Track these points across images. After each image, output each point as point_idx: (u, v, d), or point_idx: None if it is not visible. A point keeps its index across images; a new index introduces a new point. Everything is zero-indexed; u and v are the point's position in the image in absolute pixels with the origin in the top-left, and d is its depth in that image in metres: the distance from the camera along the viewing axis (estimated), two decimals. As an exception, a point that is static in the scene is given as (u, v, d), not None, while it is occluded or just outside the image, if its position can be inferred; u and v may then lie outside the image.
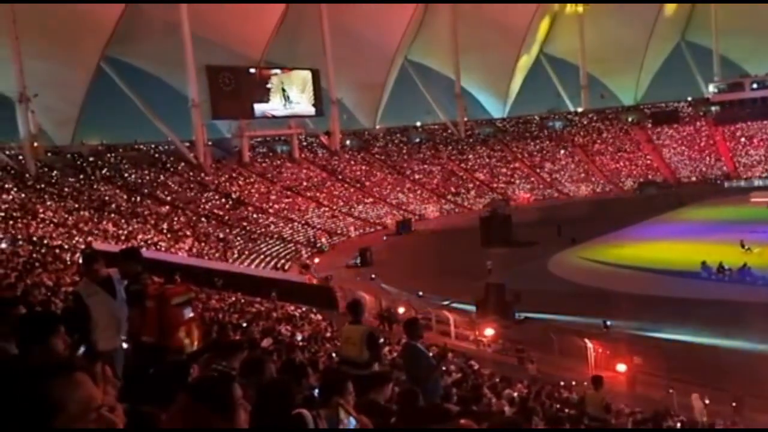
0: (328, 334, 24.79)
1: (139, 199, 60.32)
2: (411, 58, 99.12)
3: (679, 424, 18.11)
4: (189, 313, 6.36)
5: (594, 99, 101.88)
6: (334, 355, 16.26)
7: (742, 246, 42.10)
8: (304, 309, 32.54)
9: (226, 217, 61.95)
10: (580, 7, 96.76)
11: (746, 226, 48.99)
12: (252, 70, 76.78)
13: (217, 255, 51.02)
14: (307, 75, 79.56)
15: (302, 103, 79.64)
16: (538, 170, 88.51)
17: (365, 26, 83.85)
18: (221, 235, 56.72)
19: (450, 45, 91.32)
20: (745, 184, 77.47)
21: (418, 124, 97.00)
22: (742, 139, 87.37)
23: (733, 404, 20.07)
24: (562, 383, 21.70)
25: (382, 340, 25.69)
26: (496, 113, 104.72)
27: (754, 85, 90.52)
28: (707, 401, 20.02)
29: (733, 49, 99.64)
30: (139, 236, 50.08)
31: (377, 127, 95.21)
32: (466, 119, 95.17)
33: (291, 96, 78.52)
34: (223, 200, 65.96)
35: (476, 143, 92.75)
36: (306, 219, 67.62)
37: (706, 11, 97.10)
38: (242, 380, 4.93)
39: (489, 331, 29.58)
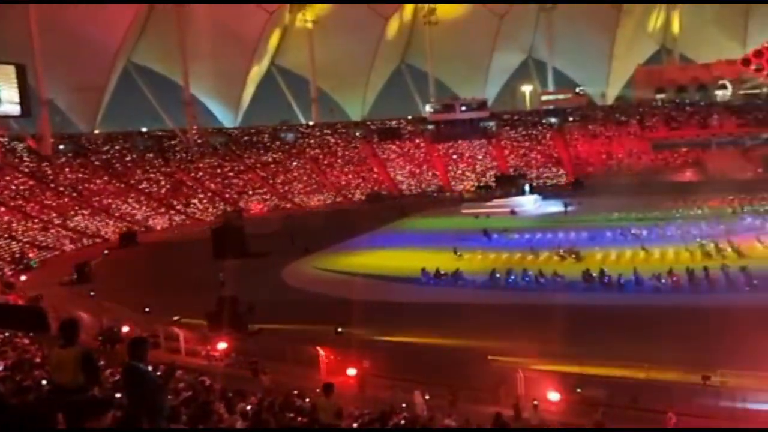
0: (38, 360, 21.91)
1: None
2: (135, 61, 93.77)
3: (403, 421, 18.91)
4: None
5: (324, 113, 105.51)
6: (44, 382, 14.29)
7: (455, 252, 46.26)
8: (7, 334, 28.54)
9: None
10: (309, 23, 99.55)
11: (458, 234, 53.90)
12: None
13: None
14: (10, 70, 70.70)
15: (5, 102, 70.65)
16: (271, 181, 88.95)
17: (82, 23, 77.35)
18: None
19: (178, 50, 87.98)
20: (456, 196, 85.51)
21: (144, 130, 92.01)
22: (454, 156, 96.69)
23: (450, 397, 21.57)
24: (295, 392, 21.62)
25: (102, 362, 23.46)
26: (227, 122, 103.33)
27: (463, 108, 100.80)
28: (427, 397, 21.22)
29: (446, 73, 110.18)
30: None
31: (96, 131, 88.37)
32: (195, 127, 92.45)
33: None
34: None
35: (207, 152, 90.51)
36: (10, 232, 60.04)
37: (422, 37, 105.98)
38: None
39: (221, 345, 28.61)
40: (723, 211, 56.90)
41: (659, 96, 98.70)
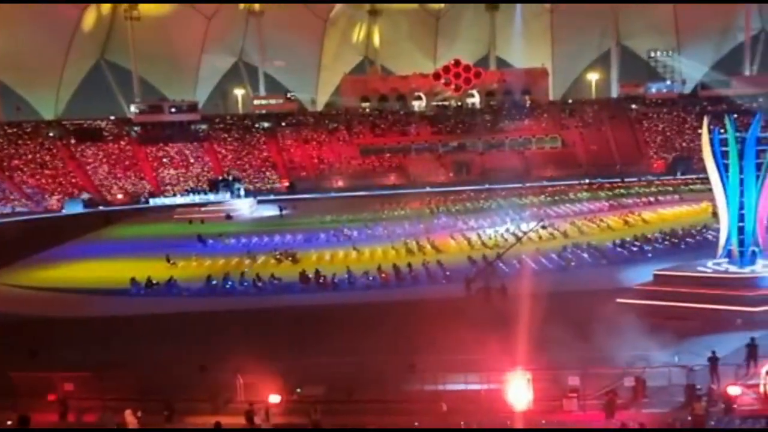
0: None
1: None
2: None
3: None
4: None
5: (8, 110, 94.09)
6: None
7: (168, 260, 44.27)
8: None
9: None
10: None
11: (171, 241, 51.90)
12: None
13: None
14: None
15: None
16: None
17: None
18: None
19: None
20: (168, 201, 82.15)
21: None
22: (164, 159, 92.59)
23: (165, 413, 20.46)
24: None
25: None
26: None
27: (173, 109, 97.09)
28: (140, 414, 19.93)
29: (152, 72, 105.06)
30: None
31: None
32: None
33: None
34: None
35: None
36: None
37: (124, 32, 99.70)
38: None
39: None
40: (422, 211, 62.39)
41: (364, 104, 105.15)
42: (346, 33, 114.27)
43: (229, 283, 38.24)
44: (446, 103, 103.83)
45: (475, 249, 44.14)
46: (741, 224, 28.89)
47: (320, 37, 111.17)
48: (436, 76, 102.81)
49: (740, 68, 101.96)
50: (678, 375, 20.76)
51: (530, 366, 21.24)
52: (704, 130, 30.02)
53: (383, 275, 37.85)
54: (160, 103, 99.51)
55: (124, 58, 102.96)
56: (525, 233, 45.22)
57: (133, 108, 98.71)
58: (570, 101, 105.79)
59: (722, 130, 29.18)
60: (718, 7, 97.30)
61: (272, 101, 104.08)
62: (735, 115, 40.94)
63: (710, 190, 30.87)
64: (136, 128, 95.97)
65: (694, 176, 70.77)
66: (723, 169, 28.80)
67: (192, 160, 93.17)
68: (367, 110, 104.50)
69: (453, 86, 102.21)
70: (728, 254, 29.66)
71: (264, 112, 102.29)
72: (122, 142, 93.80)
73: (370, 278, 37.63)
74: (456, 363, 22.46)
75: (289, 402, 20.97)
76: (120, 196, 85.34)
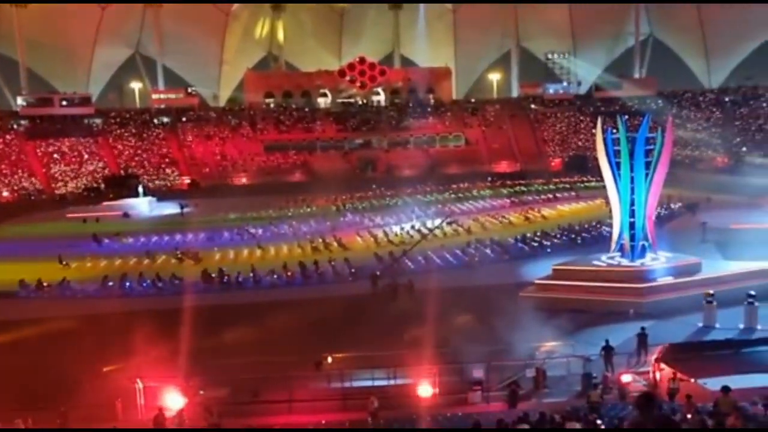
0: None
1: None
2: None
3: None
4: None
5: None
6: None
7: (60, 261, 42.12)
8: None
9: None
10: None
11: (63, 241, 49.26)
12: None
13: None
14: None
15: None
16: None
17: None
18: None
19: None
20: (58, 199, 78.18)
21: None
22: (55, 155, 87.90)
23: (58, 421, 19.50)
24: None
25: None
26: None
27: (64, 102, 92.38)
28: (31, 424, 18.92)
29: (41, 63, 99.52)
30: None
31: None
32: None
33: None
34: None
35: None
36: None
37: (9, 20, 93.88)
38: None
39: None
40: (328, 209, 62.13)
41: (268, 100, 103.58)
42: (249, 28, 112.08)
43: (127, 283, 36.82)
44: (351, 100, 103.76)
45: (382, 246, 44.36)
46: (632, 220, 30.42)
47: (222, 31, 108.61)
48: (341, 73, 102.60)
49: (630, 71, 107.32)
50: (575, 365, 21.61)
51: (436, 360, 21.59)
52: (598, 130, 31.38)
53: (289, 273, 37.47)
54: (50, 95, 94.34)
55: (10, 48, 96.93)
56: (430, 230, 45.86)
57: (19, 100, 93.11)
58: (473, 100, 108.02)
59: (615, 130, 30.62)
60: (610, 12, 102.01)
61: (172, 95, 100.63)
62: (626, 116, 42.82)
63: (604, 187, 32.28)
64: (23, 122, 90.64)
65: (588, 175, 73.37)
66: (615, 167, 30.21)
67: (86, 156, 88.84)
68: (272, 106, 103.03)
69: (358, 83, 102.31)
70: (621, 248, 31.14)
71: (163, 106, 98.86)
72: (8, 137, 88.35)
73: (276, 277, 37.17)
74: (363, 360, 22.49)
75: (192, 405, 20.37)
76: (6, 194, 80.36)
